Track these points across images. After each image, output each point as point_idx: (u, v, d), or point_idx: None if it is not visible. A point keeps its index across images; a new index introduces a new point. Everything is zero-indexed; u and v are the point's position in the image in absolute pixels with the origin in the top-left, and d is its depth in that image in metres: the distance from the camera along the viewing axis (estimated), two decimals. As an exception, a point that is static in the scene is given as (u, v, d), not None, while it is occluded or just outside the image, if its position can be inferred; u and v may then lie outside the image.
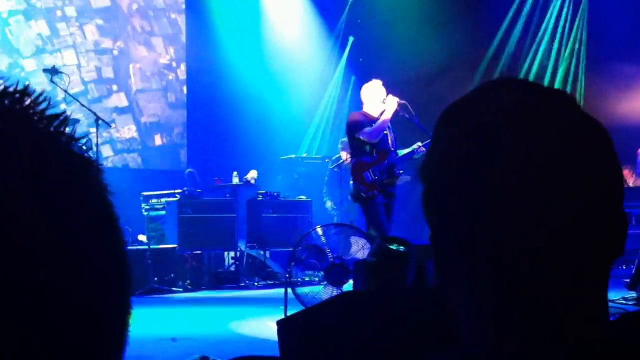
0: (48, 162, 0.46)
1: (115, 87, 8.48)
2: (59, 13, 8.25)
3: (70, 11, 8.30)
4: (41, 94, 0.47)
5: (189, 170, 10.04)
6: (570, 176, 0.67)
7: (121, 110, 8.49)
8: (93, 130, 7.22)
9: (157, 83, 8.94)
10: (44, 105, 0.47)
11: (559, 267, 0.66)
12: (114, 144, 6.98)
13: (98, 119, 7.59)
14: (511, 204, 0.66)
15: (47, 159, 0.46)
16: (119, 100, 8.13)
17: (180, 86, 9.23)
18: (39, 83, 8.05)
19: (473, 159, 0.68)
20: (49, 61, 7.21)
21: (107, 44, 8.51)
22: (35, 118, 0.47)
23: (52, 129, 0.47)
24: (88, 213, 0.47)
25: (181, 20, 9.27)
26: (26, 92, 0.48)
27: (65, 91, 7.91)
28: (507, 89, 0.71)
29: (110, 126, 8.25)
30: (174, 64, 9.23)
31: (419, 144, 6.31)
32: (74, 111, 8.44)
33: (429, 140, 6.02)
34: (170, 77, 9.19)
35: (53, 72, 7.35)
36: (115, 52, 8.63)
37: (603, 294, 0.70)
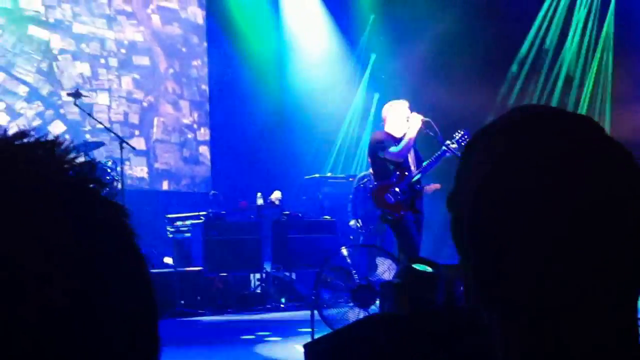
0: (79, 211, 0.48)
1: (137, 132, 9.25)
2: (102, 61, 9.22)
3: (113, 62, 9.28)
4: (71, 143, 0.51)
5: (213, 192, 10.06)
6: (603, 212, 0.67)
7: (138, 152, 9.06)
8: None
9: (175, 138, 9.78)
10: (73, 154, 0.50)
11: (591, 304, 0.67)
12: (125, 178, 7.25)
13: (122, 141, 7.71)
14: (549, 241, 0.67)
15: (78, 207, 0.48)
16: (138, 143, 8.83)
17: (197, 145, 10.07)
18: (71, 112, 8.47)
19: (510, 194, 0.69)
20: (88, 95, 8.14)
21: (138, 95, 9.36)
22: (66, 166, 0.50)
23: (82, 177, 0.50)
24: (116, 259, 0.49)
25: (208, 90, 10.15)
26: (57, 142, 0.51)
27: (89, 114, 8.13)
28: (537, 121, 0.72)
29: (134, 148, 8.41)
30: (195, 126, 10.06)
31: (446, 147, 6.20)
32: (97, 133, 8.80)
33: (456, 144, 5.97)
34: (189, 136, 10.00)
35: (76, 95, 7.53)
36: (145, 104, 9.47)
37: (633, 321, 0.70)
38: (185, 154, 9.86)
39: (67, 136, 8.95)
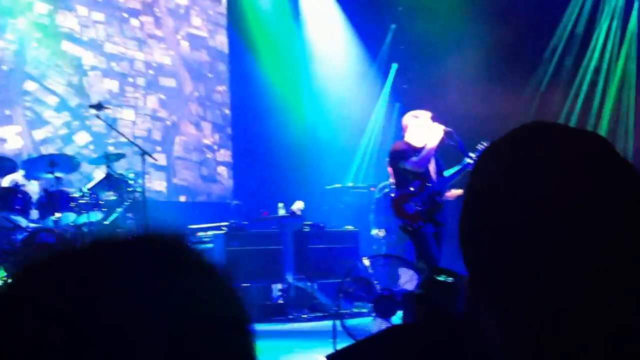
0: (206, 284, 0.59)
1: (159, 148, 9.64)
2: (130, 79, 9.63)
3: (140, 81, 9.69)
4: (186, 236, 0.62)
5: (235, 202, 10.09)
6: (603, 219, 0.68)
7: (158, 167, 9.44)
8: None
9: (195, 156, 10.19)
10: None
11: (590, 309, 0.68)
12: (139, 184, 7.61)
13: (144, 152, 7.84)
14: (547, 248, 0.68)
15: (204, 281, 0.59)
16: (159, 159, 9.20)
17: (216, 165, 10.42)
18: (96, 124, 8.72)
19: (519, 204, 0.70)
20: (110, 111, 8.52)
21: (162, 114, 9.78)
22: (189, 248, 0.61)
23: (200, 257, 0.61)
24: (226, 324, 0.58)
25: (230, 116, 10.55)
26: (180, 235, 0.62)
27: (110, 125, 8.32)
28: (548, 139, 0.74)
29: (156, 160, 8.61)
30: (215, 147, 10.43)
31: (469, 160, 6.16)
32: (120, 146, 8.97)
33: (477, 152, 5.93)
34: (209, 156, 10.37)
35: (98, 107, 7.71)
36: (168, 122, 9.87)
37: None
38: (203, 172, 10.16)
39: (91, 146, 9.17)
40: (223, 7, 10.64)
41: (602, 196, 0.69)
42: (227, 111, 10.41)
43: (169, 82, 9.94)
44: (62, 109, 8.95)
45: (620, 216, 0.69)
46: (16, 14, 8.53)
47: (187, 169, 10.02)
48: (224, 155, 10.35)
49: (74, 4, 9.06)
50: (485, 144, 6.12)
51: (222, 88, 10.43)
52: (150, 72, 9.77)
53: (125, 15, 9.54)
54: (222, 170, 10.38)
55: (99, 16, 9.27)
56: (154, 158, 8.22)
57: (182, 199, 10.02)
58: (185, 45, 10.06)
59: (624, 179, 0.71)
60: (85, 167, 8.18)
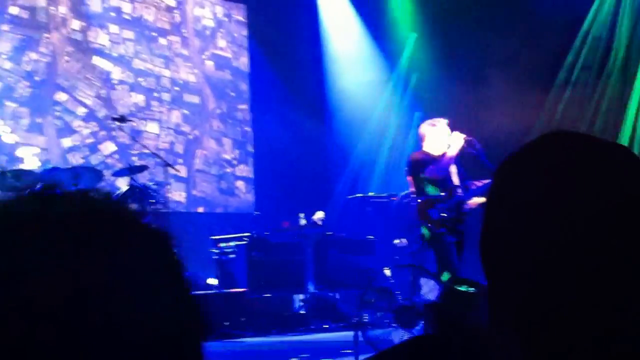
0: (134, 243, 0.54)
1: (180, 160, 10.01)
2: (156, 94, 10.02)
3: (166, 96, 10.11)
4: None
5: (256, 212, 10.14)
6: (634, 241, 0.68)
7: (179, 179, 9.75)
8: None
9: (215, 170, 10.54)
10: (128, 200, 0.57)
11: (607, 329, 0.67)
12: (161, 196, 7.95)
13: (166, 164, 7.97)
14: (561, 265, 0.68)
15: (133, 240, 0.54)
16: (180, 170, 9.63)
17: (234, 180, 10.76)
18: (122, 135, 8.93)
19: (538, 220, 0.70)
20: (135, 123, 9.17)
21: (185, 128, 10.19)
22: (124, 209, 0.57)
23: (134, 215, 0.57)
24: (164, 286, 0.53)
25: (250, 133, 10.92)
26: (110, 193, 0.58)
27: (134, 138, 8.51)
28: (569, 148, 0.73)
29: (178, 171, 8.84)
30: (235, 162, 10.79)
31: None
32: (144, 157, 9.27)
33: None
34: (228, 170, 10.71)
35: (121, 120, 7.84)
36: (190, 137, 10.24)
37: None
38: (222, 186, 10.45)
39: (115, 156, 9.42)
40: (247, 31, 11.08)
41: (627, 208, 0.68)
42: (247, 128, 10.76)
43: (193, 99, 10.32)
44: (89, 119, 9.32)
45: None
46: (51, 29, 8.99)
47: (206, 181, 10.31)
48: (243, 170, 10.68)
49: (106, 22, 9.51)
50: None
51: (243, 106, 10.79)
52: (176, 88, 10.16)
53: (154, 34, 9.96)
54: (240, 184, 10.68)
55: (129, 34, 9.71)
56: (176, 169, 8.38)
57: (200, 210, 10.28)
58: (209, 64, 10.47)
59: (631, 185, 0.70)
60: (108, 176, 8.34)
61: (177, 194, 9.91)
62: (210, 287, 8.64)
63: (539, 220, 0.69)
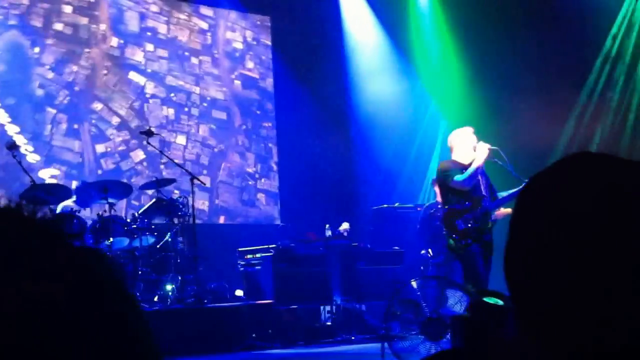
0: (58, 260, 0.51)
1: (205, 171, 10.53)
2: (185, 109, 10.65)
3: (195, 111, 10.73)
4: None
5: (282, 224, 10.17)
6: None
7: (203, 188, 10.07)
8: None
9: (237, 182, 11.01)
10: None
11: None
12: (187, 208, 8.21)
13: (193, 177, 8.07)
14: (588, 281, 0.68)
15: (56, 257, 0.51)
16: (204, 181, 10.04)
17: (255, 192, 11.19)
18: (151, 145, 9.09)
19: (568, 241, 0.70)
20: (165, 134, 10.06)
21: (212, 142, 10.74)
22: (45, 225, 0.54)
23: (56, 232, 0.53)
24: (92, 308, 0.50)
25: (275, 150, 11.39)
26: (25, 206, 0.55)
27: (161, 152, 8.64)
28: (595, 169, 0.74)
29: (204, 183, 9.02)
30: (257, 175, 11.25)
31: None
32: (171, 166, 9.55)
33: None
34: (250, 183, 11.16)
35: (149, 133, 7.96)
36: (216, 150, 10.77)
37: None
38: (243, 197, 10.91)
39: (144, 163, 9.91)
40: (272, 54, 11.72)
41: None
42: (271, 144, 11.26)
43: (220, 115, 10.89)
44: (122, 128, 9.94)
45: None
46: (91, 44, 9.77)
47: (229, 192, 10.74)
48: (264, 184, 11.15)
49: (143, 41, 10.20)
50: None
51: (267, 124, 11.30)
52: (204, 104, 10.75)
53: (187, 53, 10.65)
54: (261, 196, 11.11)
55: (163, 52, 10.42)
56: (202, 182, 8.48)
57: (222, 219, 10.66)
58: (237, 83, 11.08)
59: None
60: (136, 189, 8.54)
61: (200, 202, 10.23)
62: (237, 298, 8.67)
63: (565, 240, 0.69)
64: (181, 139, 10.42)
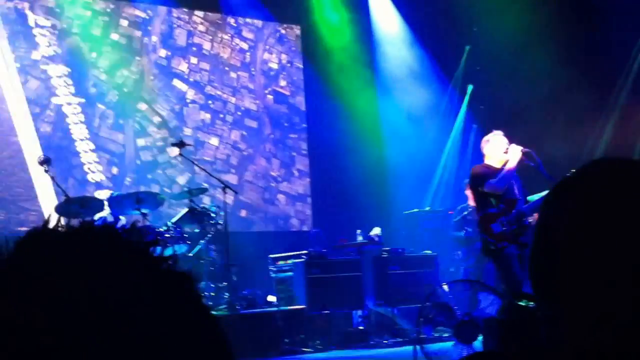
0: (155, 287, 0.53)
1: (233, 170, 11.49)
2: (221, 115, 11.57)
3: (229, 118, 11.65)
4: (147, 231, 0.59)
5: (315, 230, 10.20)
6: None
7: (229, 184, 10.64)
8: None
9: (262, 183, 11.86)
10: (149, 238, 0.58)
11: None
12: (220, 216, 8.58)
13: (225, 186, 8.15)
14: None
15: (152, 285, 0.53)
16: (232, 179, 11.11)
17: (277, 193, 11.98)
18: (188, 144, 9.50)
19: (588, 241, 0.72)
20: (200, 135, 11.10)
21: (242, 145, 11.64)
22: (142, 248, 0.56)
23: (155, 257, 0.56)
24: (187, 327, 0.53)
25: (297, 158, 12.08)
26: (135, 229, 0.58)
27: (193, 162, 8.75)
28: (621, 174, 0.75)
29: (236, 192, 9.14)
30: (280, 179, 12.02)
31: None
32: (200, 179, 9.89)
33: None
34: (272, 185, 11.97)
35: (180, 145, 8.06)
36: (245, 153, 11.65)
37: None
38: (265, 196, 11.74)
39: (179, 158, 9.96)
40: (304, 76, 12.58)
41: None
42: (293, 153, 12.07)
43: (252, 123, 11.79)
44: (162, 127, 10.92)
45: None
46: (142, 54, 10.95)
47: (253, 190, 11.64)
48: (285, 186, 11.99)
49: (188, 54, 11.35)
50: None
51: (294, 135, 12.19)
52: (238, 113, 11.69)
53: (227, 68, 11.71)
54: (281, 197, 11.96)
55: (205, 65, 11.53)
56: (234, 190, 8.57)
57: (243, 213, 11.42)
58: (270, 98, 12.06)
59: None
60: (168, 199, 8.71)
61: (227, 197, 11.03)
62: (270, 304, 8.72)
63: (624, 260, 0.70)
64: (214, 141, 11.35)
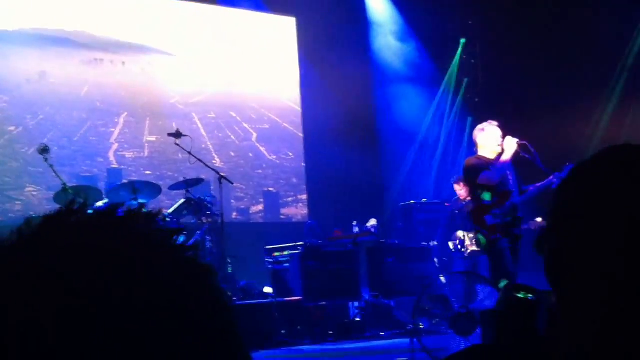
0: (176, 275, 0.53)
1: (227, 161, 11.52)
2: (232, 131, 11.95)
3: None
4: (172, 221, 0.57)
5: (310, 222, 10.20)
6: None
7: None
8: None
9: (259, 173, 12.15)
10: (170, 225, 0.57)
11: None
12: (216, 207, 8.65)
13: (221, 177, 8.13)
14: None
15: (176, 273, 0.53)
16: (227, 169, 11.29)
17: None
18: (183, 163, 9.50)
19: (605, 228, 0.71)
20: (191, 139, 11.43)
21: (236, 136, 11.88)
22: (164, 237, 0.56)
23: (176, 246, 0.56)
24: (205, 319, 0.51)
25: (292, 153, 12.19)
26: (154, 215, 0.57)
27: (189, 152, 8.64)
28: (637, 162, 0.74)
29: (232, 183, 9.00)
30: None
31: (554, 179, 6.03)
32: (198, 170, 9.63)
33: (564, 172, 5.80)
34: (269, 172, 12.22)
35: (177, 135, 8.01)
36: (240, 144, 11.85)
37: None
38: (261, 187, 11.93)
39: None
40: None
41: None
42: (291, 154, 12.09)
43: (248, 114, 12.00)
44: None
45: None
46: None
47: (249, 181, 11.84)
48: (281, 177, 12.10)
49: None
50: (569, 164, 5.97)
51: (289, 127, 12.12)
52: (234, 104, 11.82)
53: (221, 58, 11.92)
54: (277, 188, 12.11)
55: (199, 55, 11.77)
56: (229, 181, 8.51)
57: (239, 204, 11.54)
58: (265, 89, 12.19)
59: None
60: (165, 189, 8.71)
61: (222, 188, 11.50)
62: (266, 295, 8.72)
63: (610, 229, 0.70)
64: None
